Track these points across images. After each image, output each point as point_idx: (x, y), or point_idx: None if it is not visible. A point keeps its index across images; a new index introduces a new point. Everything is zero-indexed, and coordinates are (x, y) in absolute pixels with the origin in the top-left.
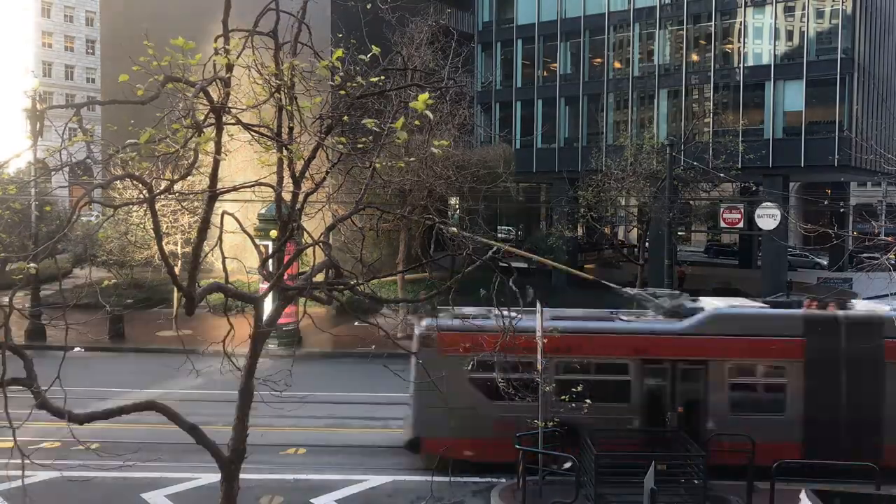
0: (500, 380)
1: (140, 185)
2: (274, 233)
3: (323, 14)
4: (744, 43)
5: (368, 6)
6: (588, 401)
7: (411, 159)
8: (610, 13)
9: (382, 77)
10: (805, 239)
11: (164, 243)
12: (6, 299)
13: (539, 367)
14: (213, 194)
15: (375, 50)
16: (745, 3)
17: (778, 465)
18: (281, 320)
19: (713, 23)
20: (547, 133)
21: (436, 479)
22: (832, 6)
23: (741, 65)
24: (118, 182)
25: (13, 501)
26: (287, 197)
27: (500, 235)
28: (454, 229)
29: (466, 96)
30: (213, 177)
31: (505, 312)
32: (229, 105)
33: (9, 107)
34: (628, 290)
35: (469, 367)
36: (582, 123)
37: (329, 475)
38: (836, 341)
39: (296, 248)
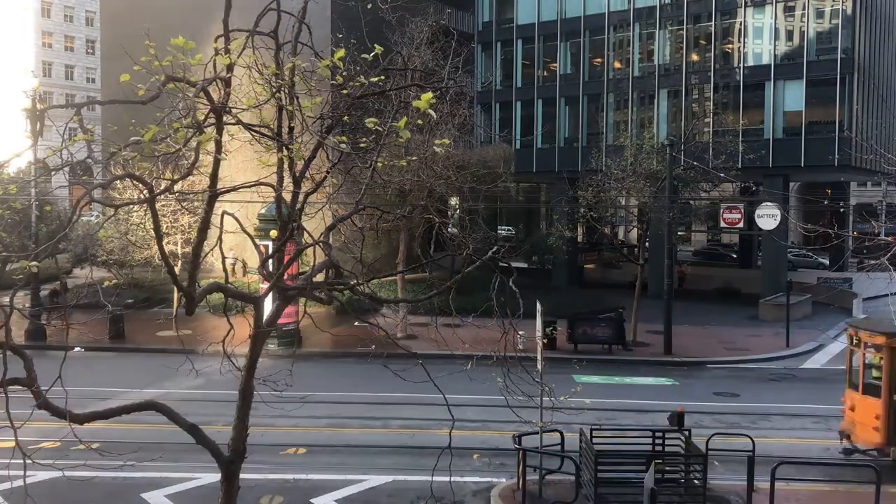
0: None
1: (140, 185)
2: (274, 233)
3: (323, 14)
4: (744, 43)
5: (369, 6)
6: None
7: (413, 158)
8: (610, 13)
9: (383, 77)
10: (805, 239)
11: (164, 243)
12: (6, 299)
13: (539, 367)
14: (213, 194)
15: (378, 50)
16: (745, 3)
17: (778, 465)
18: (281, 320)
19: (713, 23)
20: (547, 133)
21: (436, 479)
22: (832, 6)
23: (741, 65)
24: (118, 182)
25: (14, 501)
26: (287, 197)
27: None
28: (454, 229)
29: (466, 96)
30: (214, 177)
31: None
32: (230, 105)
33: (9, 107)
34: None
35: None
36: (582, 123)
37: (329, 475)
38: None
39: (296, 248)
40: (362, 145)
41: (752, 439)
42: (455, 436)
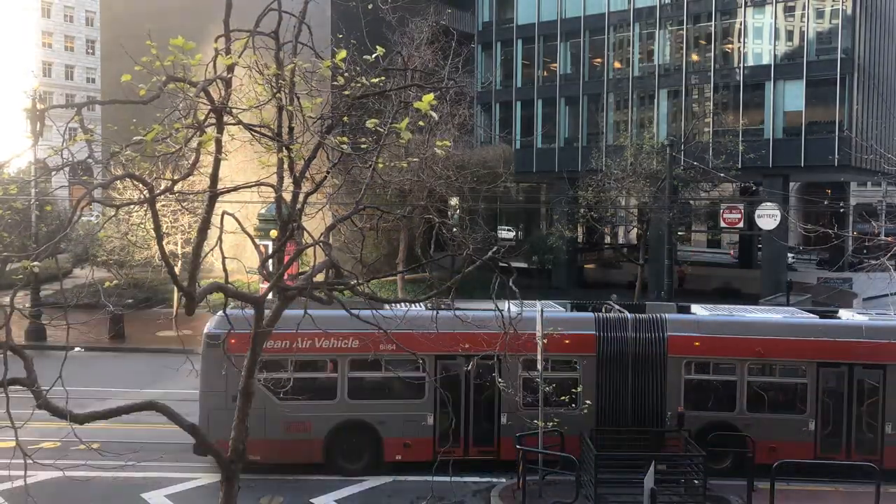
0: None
1: (141, 185)
2: (274, 233)
3: (323, 14)
4: (744, 43)
5: (369, 6)
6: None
7: (413, 159)
8: (610, 13)
9: (383, 77)
10: (805, 239)
11: (164, 243)
12: (6, 299)
13: (539, 367)
14: (213, 194)
15: (380, 51)
16: (745, 3)
17: (778, 465)
18: None
19: (713, 23)
20: (547, 133)
21: (436, 479)
22: (832, 6)
23: (741, 65)
24: (119, 182)
25: (15, 501)
26: (287, 197)
27: (500, 235)
28: (455, 229)
29: (466, 96)
30: (214, 177)
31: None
32: (230, 105)
33: (9, 107)
34: None
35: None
36: (582, 123)
37: (329, 475)
38: None
39: (296, 248)
40: (363, 146)
41: (752, 439)
42: None
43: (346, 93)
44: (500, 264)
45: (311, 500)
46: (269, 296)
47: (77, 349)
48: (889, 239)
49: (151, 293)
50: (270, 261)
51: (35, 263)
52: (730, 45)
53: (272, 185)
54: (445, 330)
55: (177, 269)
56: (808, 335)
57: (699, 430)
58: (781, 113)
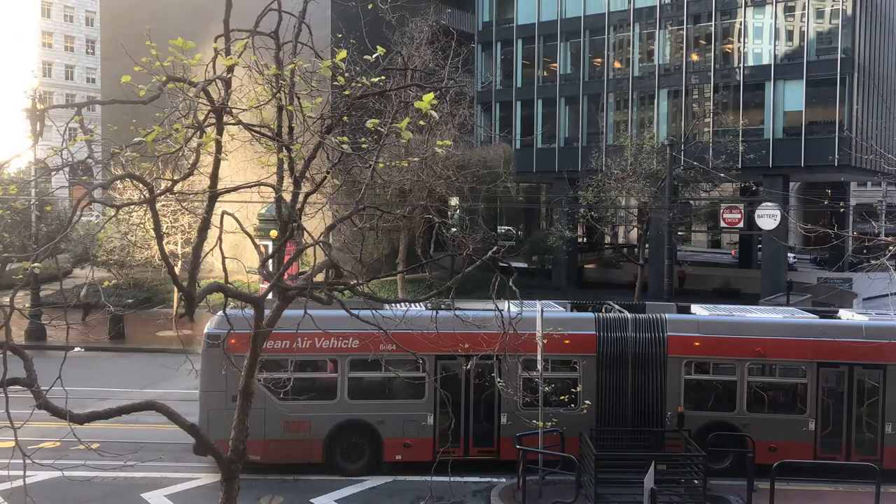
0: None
1: (141, 186)
2: (274, 233)
3: (323, 14)
4: (744, 43)
5: (369, 6)
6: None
7: (414, 159)
8: (610, 13)
9: (383, 77)
10: (805, 239)
11: (164, 243)
12: (6, 299)
13: (539, 367)
14: (213, 194)
15: (380, 51)
16: (745, 3)
17: (778, 465)
18: None
19: (713, 23)
20: (547, 133)
21: (436, 479)
22: (832, 6)
23: (741, 65)
24: (118, 182)
25: (14, 501)
26: (287, 197)
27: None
28: (454, 229)
29: (466, 96)
30: (214, 177)
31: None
32: (230, 105)
33: (9, 107)
34: None
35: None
36: (582, 123)
37: (329, 475)
38: None
39: (296, 248)
40: (363, 146)
41: (752, 440)
42: None
43: (347, 93)
44: (500, 264)
45: (311, 500)
46: (269, 296)
47: (77, 349)
48: (889, 239)
49: (151, 293)
50: (270, 261)
51: (35, 265)
52: (730, 45)
53: (272, 185)
54: (445, 330)
55: (177, 269)
56: (808, 335)
57: (699, 430)
58: (781, 113)
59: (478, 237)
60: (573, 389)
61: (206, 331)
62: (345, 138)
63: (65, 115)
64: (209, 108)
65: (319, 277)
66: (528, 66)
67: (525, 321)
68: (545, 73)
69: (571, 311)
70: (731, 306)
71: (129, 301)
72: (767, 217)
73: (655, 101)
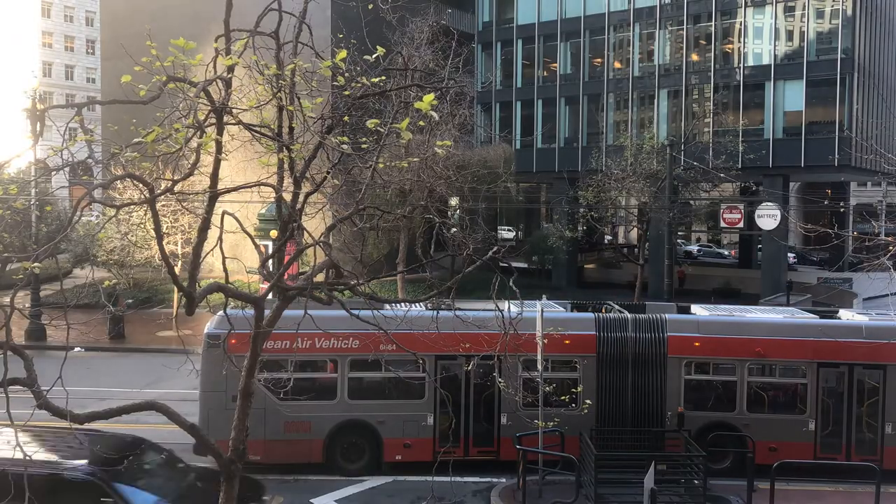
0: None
1: (141, 186)
2: (274, 233)
3: (323, 14)
4: (744, 43)
5: (370, 6)
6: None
7: (414, 159)
8: (610, 13)
9: (383, 77)
10: (805, 239)
11: (164, 243)
12: (6, 299)
13: (539, 367)
14: (213, 194)
15: (380, 51)
16: (745, 3)
17: (778, 465)
18: None
19: (713, 23)
20: (547, 133)
21: (436, 479)
22: (832, 6)
23: (741, 65)
24: (118, 182)
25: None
26: (287, 197)
27: (501, 234)
28: (455, 229)
29: (467, 96)
30: (214, 177)
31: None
32: (230, 105)
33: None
34: None
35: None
36: (582, 123)
37: (329, 475)
38: None
39: (296, 248)
40: (363, 146)
41: (752, 440)
42: None
43: (347, 93)
44: (501, 264)
45: (311, 500)
46: (269, 296)
47: (77, 349)
48: (889, 239)
49: (151, 293)
50: (270, 261)
51: (35, 265)
52: (730, 45)
53: (272, 185)
54: (446, 330)
55: (177, 269)
56: (808, 335)
57: (699, 430)
58: (781, 113)
59: (478, 237)
60: (573, 389)
61: (206, 331)
62: (345, 138)
63: (65, 115)
64: (209, 108)
65: (319, 277)
66: (528, 66)
67: (525, 321)
68: (545, 73)
69: (571, 311)
70: (731, 306)
71: (129, 301)
72: (767, 217)
73: (655, 101)
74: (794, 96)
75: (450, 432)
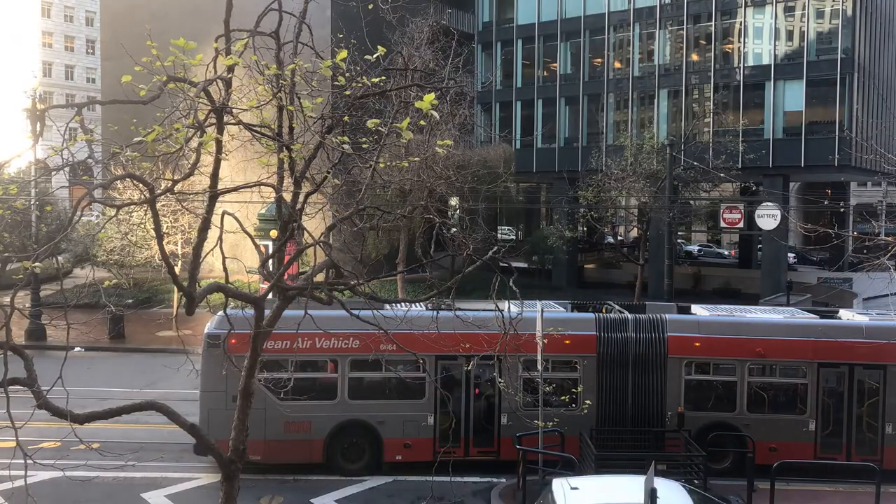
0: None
1: (141, 186)
2: (274, 233)
3: (323, 14)
4: (744, 43)
5: (370, 6)
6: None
7: (414, 159)
8: (610, 13)
9: (383, 77)
10: (805, 239)
11: (164, 243)
12: (6, 299)
13: (539, 367)
14: (213, 194)
15: (381, 51)
16: (745, 3)
17: (778, 465)
18: None
19: (713, 23)
20: (547, 133)
21: (436, 479)
22: (832, 6)
23: (741, 65)
24: (119, 182)
25: (15, 501)
26: (287, 197)
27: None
28: (455, 229)
29: (467, 96)
30: (214, 177)
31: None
32: (230, 105)
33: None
34: None
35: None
36: (582, 123)
37: (329, 475)
38: None
39: (296, 248)
40: (363, 146)
41: (752, 440)
42: None
43: (347, 93)
44: (501, 264)
45: (311, 500)
46: (269, 296)
47: (77, 349)
48: (889, 239)
49: (151, 293)
50: (270, 261)
51: (35, 265)
52: (730, 45)
53: (272, 185)
54: (446, 330)
55: (177, 269)
56: (808, 335)
57: (699, 430)
58: (781, 113)
59: (478, 237)
60: (573, 390)
61: (206, 331)
62: (345, 138)
63: (65, 115)
64: (209, 108)
65: (319, 277)
66: (528, 66)
67: (525, 321)
68: (545, 73)
69: (572, 311)
70: (731, 306)
71: (129, 301)
72: (767, 217)
73: (655, 101)
74: (794, 96)
75: (450, 432)
